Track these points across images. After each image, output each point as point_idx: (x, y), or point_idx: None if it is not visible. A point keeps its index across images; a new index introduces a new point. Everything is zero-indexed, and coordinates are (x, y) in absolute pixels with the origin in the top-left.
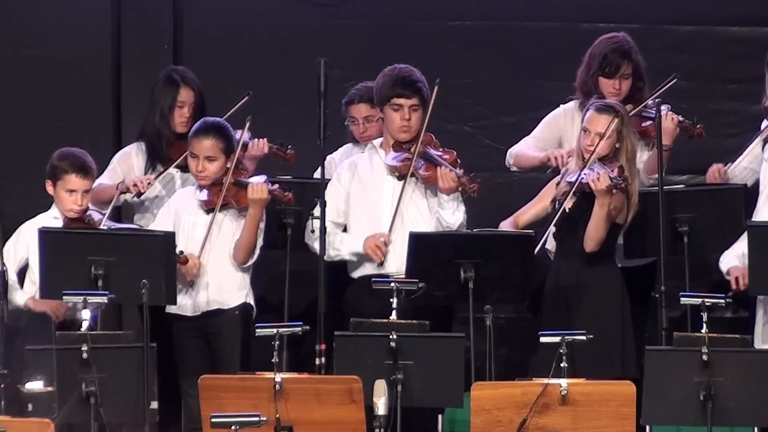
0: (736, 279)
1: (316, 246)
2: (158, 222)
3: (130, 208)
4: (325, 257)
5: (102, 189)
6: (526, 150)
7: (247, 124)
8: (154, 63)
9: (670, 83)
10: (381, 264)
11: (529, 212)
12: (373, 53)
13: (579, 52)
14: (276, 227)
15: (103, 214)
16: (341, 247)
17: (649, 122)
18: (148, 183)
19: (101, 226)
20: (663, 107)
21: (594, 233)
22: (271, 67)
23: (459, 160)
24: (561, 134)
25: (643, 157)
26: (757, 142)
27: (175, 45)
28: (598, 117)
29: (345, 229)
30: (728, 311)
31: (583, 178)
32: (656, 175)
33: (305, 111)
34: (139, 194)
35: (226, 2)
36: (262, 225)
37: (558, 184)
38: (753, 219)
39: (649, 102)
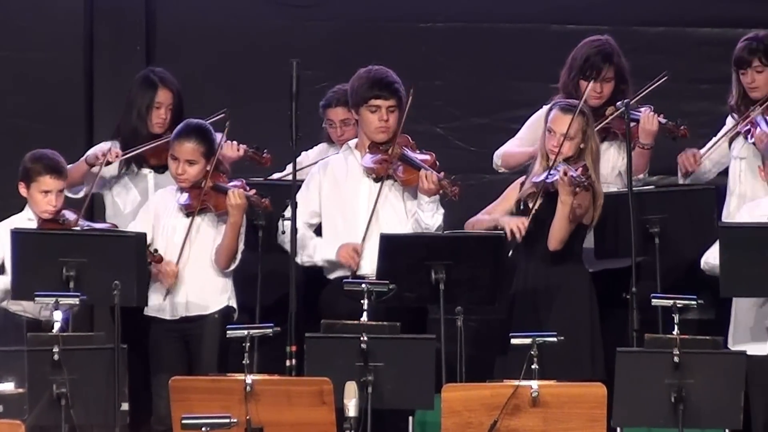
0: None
1: (288, 245)
2: (137, 222)
3: (102, 208)
4: (298, 262)
5: (70, 169)
6: (513, 149)
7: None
8: (126, 64)
9: (660, 81)
10: (355, 272)
11: (493, 214)
12: (346, 55)
13: (550, 53)
14: (247, 229)
15: (78, 214)
16: (314, 253)
17: (632, 123)
18: (116, 155)
19: (76, 227)
20: (645, 107)
21: (557, 232)
22: (244, 68)
23: (438, 162)
24: None
25: (620, 159)
26: (723, 139)
27: (147, 46)
28: (563, 117)
29: (318, 230)
30: (700, 312)
31: (548, 179)
32: (641, 175)
33: (278, 112)
34: (107, 163)
35: (199, 4)
36: (242, 229)
37: (522, 184)
38: (726, 220)
39: (618, 104)
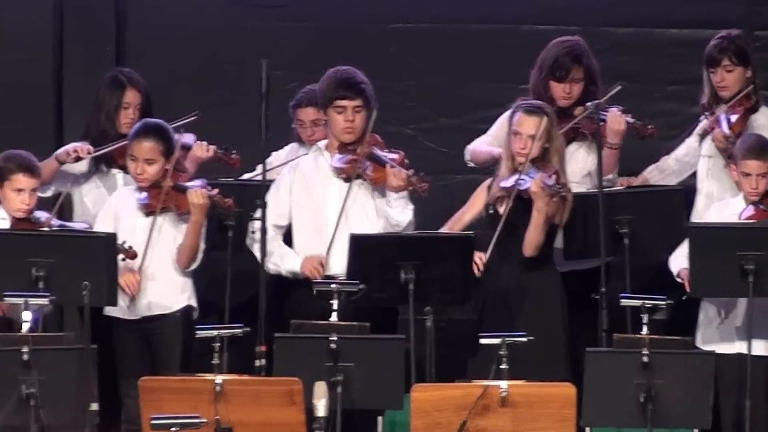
0: (689, 281)
1: (256, 248)
2: (99, 223)
3: (70, 208)
4: (266, 266)
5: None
6: (481, 146)
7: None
8: (96, 65)
9: (615, 90)
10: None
11: (463, 220)
12: (316, 55)
13: (520, 54)
14: (217, 229)
15: (50, 214)
16: (280, 263)
17: (600, 123)
18: (88, 152)
19: (48, 227)
20: (613, 107)
21: (533, 239)
22: (215, 68)
23: (407, 161)
24: None
25: (589, 159)
26: (692, 137)
27: (117, 47)
28: (528, 119)
29: (288, 232)
30: (668, 313)
31: (520, 185)
32: (610, 175)
33: (248, 112)
34: (78, 159)
35: (169, 4)
36: (203, 229)
37: (489, 187)
38: (694, 220)
39: (588, 104)
